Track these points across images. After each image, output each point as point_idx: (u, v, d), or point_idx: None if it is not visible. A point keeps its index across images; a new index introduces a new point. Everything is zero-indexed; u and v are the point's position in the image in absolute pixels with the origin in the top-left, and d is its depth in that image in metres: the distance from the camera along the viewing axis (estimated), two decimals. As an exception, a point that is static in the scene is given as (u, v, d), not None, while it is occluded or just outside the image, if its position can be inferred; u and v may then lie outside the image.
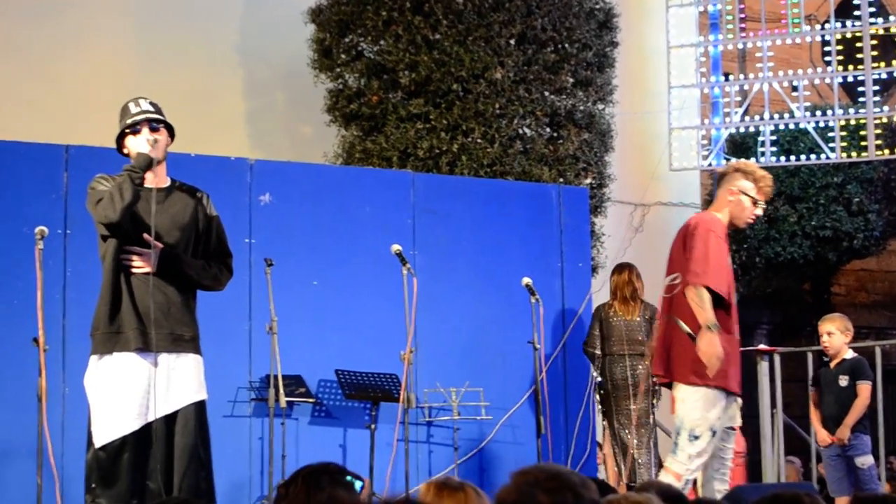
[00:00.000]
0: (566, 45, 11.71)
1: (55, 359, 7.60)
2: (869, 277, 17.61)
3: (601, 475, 10.14)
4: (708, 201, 14.90)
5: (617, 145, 12.26)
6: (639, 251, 13.47)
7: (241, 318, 8.67)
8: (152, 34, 12.55)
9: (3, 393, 7.87)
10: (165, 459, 5.91)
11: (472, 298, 9.55)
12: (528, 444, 9.06)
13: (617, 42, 12.22)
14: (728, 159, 13.45)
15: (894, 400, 15.11)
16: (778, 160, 13.43)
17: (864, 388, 8.82)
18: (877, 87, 12.92)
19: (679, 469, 6.85)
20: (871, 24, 12.92)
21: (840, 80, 13.22)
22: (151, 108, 6.11)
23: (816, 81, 13.71)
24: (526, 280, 8.88)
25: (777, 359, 10.44)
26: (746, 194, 7.02)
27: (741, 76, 14.09)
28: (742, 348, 7.34)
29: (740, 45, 14.12)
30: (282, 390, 7.83)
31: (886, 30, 13.11)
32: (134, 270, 5.95)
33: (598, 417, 10.11)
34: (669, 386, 7.10)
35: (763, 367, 10.36)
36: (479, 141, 11.16)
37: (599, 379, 9.85)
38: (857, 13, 13.06)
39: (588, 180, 11.70)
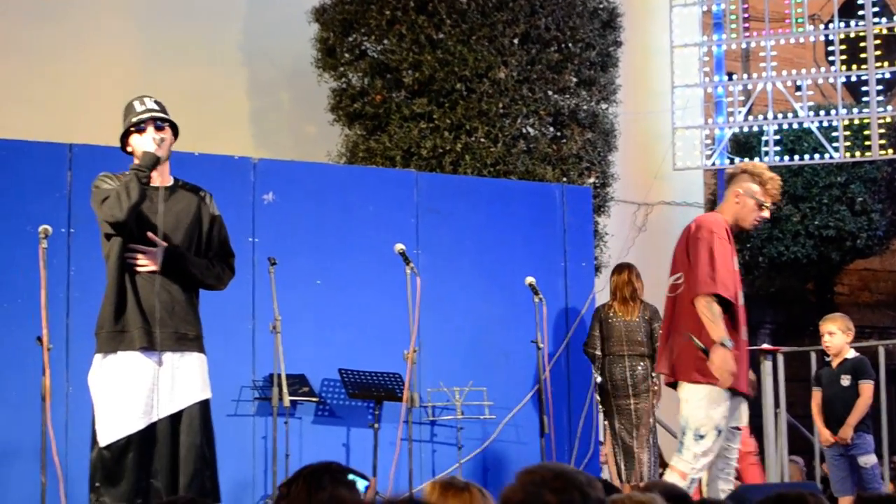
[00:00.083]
0: (570, 45, 11.71)
1: (59, 358, 7.61)
2: (872, 277, 17.61)
3: (604, 475, 10.15)
4: (711, 200, 14.92)
5: (620, 145, 12.25)
6: (642, 250, 13.48)
7: (245, 317, 8.68)
8: (156, 33, 12.56)
9: (7, 392, 7.88)
10: (170, 458, 5.91)
11: (475, 298, 9.55)
12: (532, 444, 9.07)
13: (620, 41, 12.22)
14: (731, 159, 13.47)
15: (898, 399, 15.10)
16: (781, 160, 13.43)
17: (866, 387, 8.83)
18: (880, 87, 12.92)
19: (684, 468, 6.85)
20: (875, 23, 12.92)
21: (843, 79, 13.21)
22: (156, 107, 6.11)
23: (820, 81, 13.71)
24: (529, 279, 8.88)
25: (780, 358, 10.44)
26: (752, 197, 7.00)
27: (745, 76, 14.08)
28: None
29: (744, 45, 14.14)
30: (285, 389, 7.84)
31: (890, 29, 13.10)
32: (139, 269, 5.95)
33: (599, 417, 10.11)
34: (675, 386, 7.08)
35: (766, 366, 10.35)
36: (482, 140, 11.16)
37: (599, 379, 9.84)
38: (860, 13, 13.06)
39: (591, 180, 11.70)
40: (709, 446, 6.82)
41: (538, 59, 11.47)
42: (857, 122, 13.29)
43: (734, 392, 6.90)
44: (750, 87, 13.63)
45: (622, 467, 9.61)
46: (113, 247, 5.97)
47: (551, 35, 11.56)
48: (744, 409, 7.15)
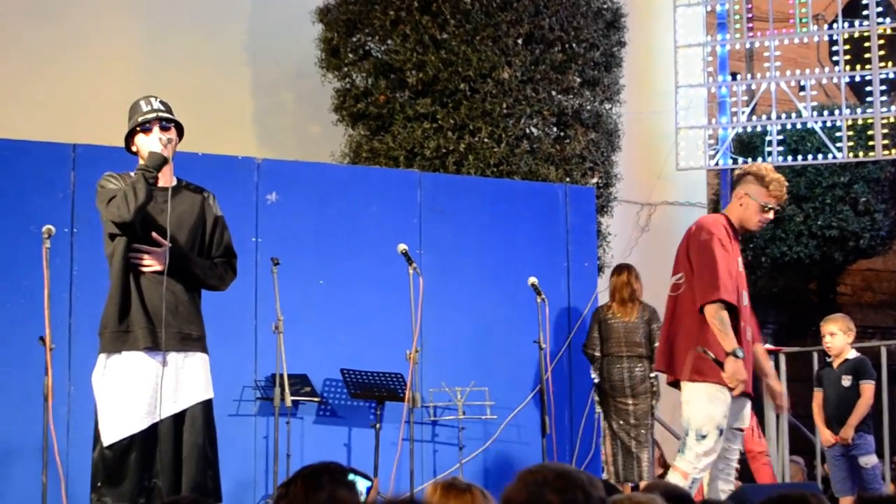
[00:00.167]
0: (574, 45, 11.71)
1: (61, 357, 7.64)
2: (875, 277, 17.60)
3: (604, 475, 10.15)
4: (714, 201, 14.93)
5: (624, 145, 12.25)
6: (645, 251, 13.50)
7: (247, 317, 8.69)
8: (160, 33, 12.57)
9: (9, 391, 7.90)
10: (173, 458, 5.92)
11: (477, 298, 9.56)
12: (533, 444, 9.08)
13: (624, 42, 12.22)
14: (734, 159, 13.47)
15: (899, 400, 15.10)
16: (785, 160, 13.42)
17: (867, 387, 8.83)
18: (884, 87, 12.91)
19: (686, 468, 6.87)
20: (879, 23, 12.91)
21: (847, 79, 13.20)
22: (163, 107, 6.11)
23: (824, 81, 13.71)
24: (532, 279, 8.89)
25: (782, 359, 10.45)
26: (755, 199, 7.01)
27: (748, 76, 14.08)
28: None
29: (748, 45, 14.13)
30: (287, 389, 7.85)
31: (894, 29, 13.10)
32: (144, 269, 5.96)
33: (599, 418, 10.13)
34: (678, 385, 7.11)
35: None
36: (485, 140, 11.16)
37: (597, 379, 9.85)
38: (864, 13, 13.05)
39: (594, 180, 11.70)
40: (710, 446, 6.84)
41: (542, 59, 11.48)
42: (860, 122, 13.29)
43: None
44: (753, 87, 13.63)
45: (620, 468, 9.62)
46: (117, 247, 5.97)
47: (555, 35, 11.56)
48: (747, 411, 7.17)
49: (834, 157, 13.27)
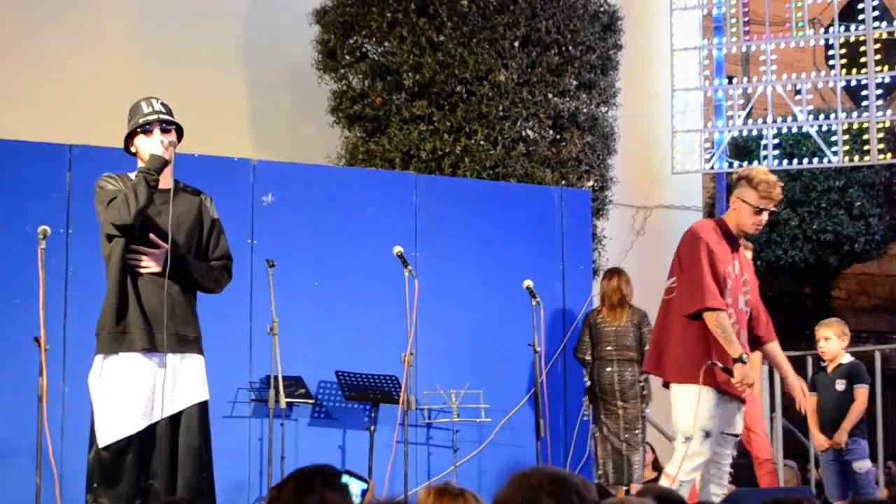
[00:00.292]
0: (570, 48, 11.72)
1: (56, 358, 7.63)
2: (870, 281, 17.60)
3: (596, 478, 10.16)
4: (710, 204, 14.93)
5: (619, 148, 12.26)
6: (640, 254, 13.50)
7: (242, 319, 8.69)
8: (157, 34, 12.56)
9: (3, 392, 7.90)
10: (169, 459, 5.93)
11: (472, 300, 9.57)
12: (528, 447, 9.08)
13: (621, 45, 12.23)
14: (730, 163, 13.47)
15: (893, 404, 15.10)
16: (780, 164, 13.43)
17: (860, 392, 8.83)
18: (880, 91, 12.91)
19: (671, 470, 6.90)
20: (875, 28, 12.92)
21: (843, 83, 13.20)
22: (164, 110, 6.11)
23: (820, 85, 13.67)
24: (527, 282, 8.90)
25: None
26: (747, 203, 7.03)
27: (744, 79, 14.11)
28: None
29: (744, 49, 14.11)
30: (282, 391, 7.87)
31: (890, 34, 13.10)
32: (141, 270, 5.96)
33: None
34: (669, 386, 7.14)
35: (762, 371, 10.36)
36: (481, 143, 11.17)
37: (589, 383, 9.85)
38: (860, 17, 13.06)
39: (590, 183, 11.70)
40: (696, 449, 6.85)
41: (538, 61, 11.48)
42: (856, 126, 13.29)
43: (727, 396, 6.94)
44: (750, 90, 13.64)
45: (611, 471, 9.62)
46: (115, 248, 5.97)
47: (552, 38, 11.57)
48: (739, 417, 7.17)
49: (829, 161, 13.27)
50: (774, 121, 13.34)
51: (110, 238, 5.99)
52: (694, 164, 13.53)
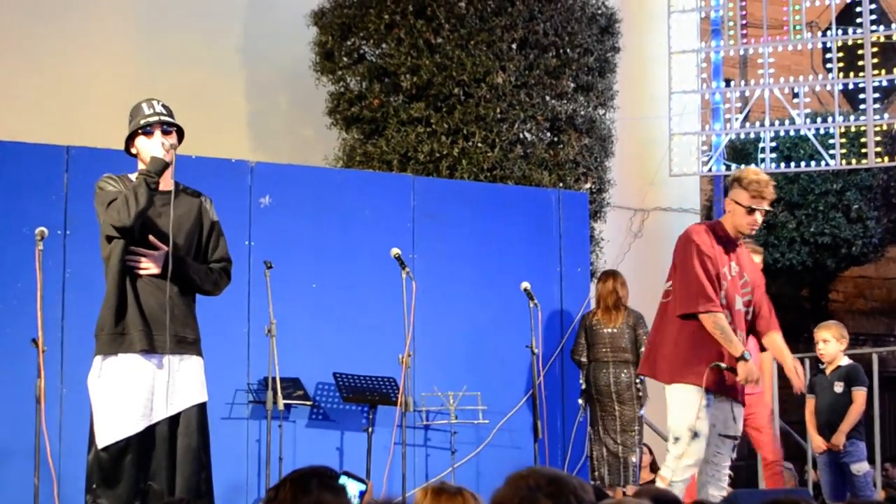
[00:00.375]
0: (568, 50, 11.72)
1: (53, 360, 7.63)
2: (867, 284, 17.61)
3: (592, 480, 10.16)
4: (707, 207, 14.94)
5: (617, 150, 12.27)
6: (638, 256, 13.50)
7: (240, 321, 8.69)
8: (155, 35, 12.56)
9: (1, 394, 7.89)
10: (168, 461, 5.93)
11: (470, 302, 9.57)
12: (525, 448, 9.08)
13: (618, 47, 12.23)
14: (728, 165, 13.48)
15: (891, 407, 15.12)
16: (777, 167, 13.44)
17: (858, 394, 8.84)
18: (877, 95, 12.93)
19: (664, 472, 6.98)
20: (872, 31, 12.95)
21: (840, 87, 13.23)
22: (165, 111, 6.10)
23: (817, 88, 13.70)
24: (524, 284, 8.91)
25: (774, 365, 10.44)
26: (739, 204, 7.05)
27: (742, 82, 14.14)
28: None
29: (742, 52, 14.14)
30: (279, 393, 7.86)
31: (887, 37, 13.12)
32: (141, 272, 5.96)
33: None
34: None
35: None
36: (479, 145, 11.17)
37: (584, 385, 9.85)
38: (858, 20, 13.08)
39: (588, 185, 11.71)
40: (684, 449, 6.86)
41: (536, 64, 11.48)
42: (853, 129, 13.30)
43: (721, 396, 6.96)
44: (747, 93, 13.66)
45: (607, 473, 9.61)
46: (114, 249, 5.97)
47: (549, 40, 11.57)
48: (738, 418, 7.17)
49: (827, 165, 13.28)
50: (772, 124, 13.35)
51: (110, 239, 5.98)
52: (691, 166, 13.54)
